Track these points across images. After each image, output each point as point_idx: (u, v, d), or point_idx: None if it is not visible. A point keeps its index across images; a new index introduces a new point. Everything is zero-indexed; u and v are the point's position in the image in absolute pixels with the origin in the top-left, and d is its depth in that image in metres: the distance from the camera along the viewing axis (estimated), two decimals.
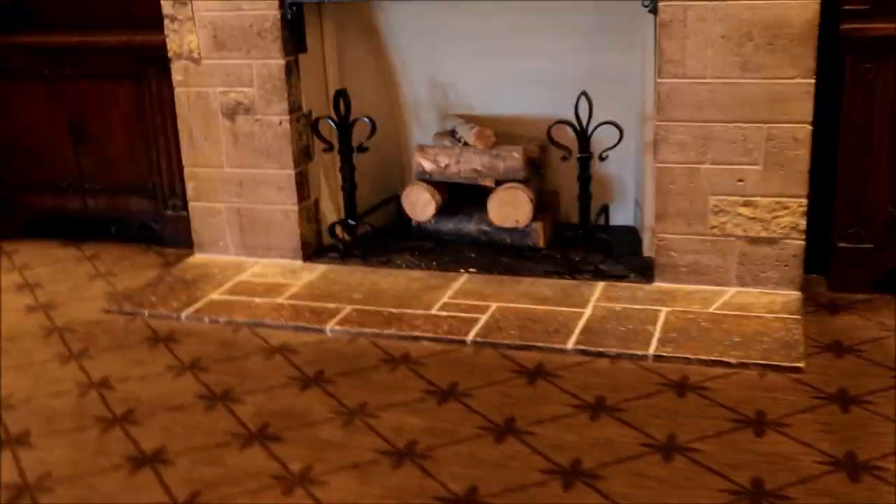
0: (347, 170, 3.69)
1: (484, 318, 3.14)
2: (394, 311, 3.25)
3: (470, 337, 3.02)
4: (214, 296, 3.48)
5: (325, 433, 2.54)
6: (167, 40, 3.68)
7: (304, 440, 2.52)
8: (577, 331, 3.01)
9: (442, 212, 3.81)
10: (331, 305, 3.32)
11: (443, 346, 3.01)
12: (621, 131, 3.27)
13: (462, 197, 3.86)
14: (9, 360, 3.11)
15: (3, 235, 4.33)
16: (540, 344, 2.95)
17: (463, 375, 2.82)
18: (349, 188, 3.71)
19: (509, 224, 3.65)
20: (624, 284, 3.34)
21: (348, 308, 3.29)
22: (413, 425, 2.55)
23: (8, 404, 2.80)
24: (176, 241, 4.04)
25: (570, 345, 2.93)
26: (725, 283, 3.24)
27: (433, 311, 3.22)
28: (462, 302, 3.28)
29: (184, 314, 3.35)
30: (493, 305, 3.23)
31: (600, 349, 2.89)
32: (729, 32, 3.03)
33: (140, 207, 4.13)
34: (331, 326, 3.17)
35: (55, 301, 3.60)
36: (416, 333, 3.08)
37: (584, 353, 2.90)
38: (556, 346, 2.93)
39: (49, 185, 4.22)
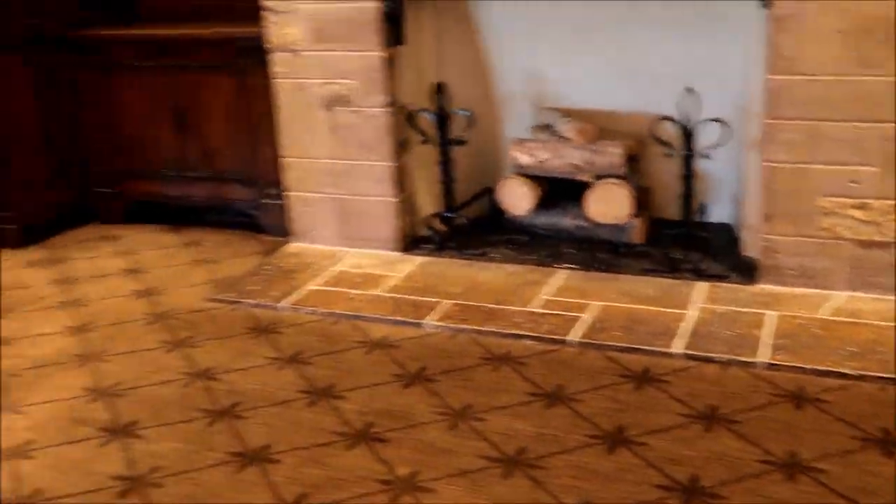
0: (445, 162, 3.68)
1: (586, 318, 3.09)
2: (493, 306, 3.23)
3: (573, 337, 2.98)
4: (313, 286, 3.50)
5: (430, 435, 2.52)
6: (267, 32, 3.69)
7: (410, 442, 2.49)
8: (682, 334, 2.95)
9: (536, 206, 3.77)
10: (429, 299, 3.31)
11: (544, 346, 2.97)
12: (729, 129, 3.19)
13: (557, 191, 3.82)
14: (117, 346, 3.16)
15: (109, 220, 4.44)
16: (646, 347, 2.89)
17: (568, 378, 2.77)
18: (447, 180, 3.70)
19: (608, 220, 3.60)
20: (726, 285, 3.27)
21: (447, 302, 3.28)
22: (520, 430, 2.51)
23: (116, 391, 2.85)
24: (274, 229, 4.08)
25: (677, 349, 2.87)
26: (833, 287, 3.15)
27: (533, 308, 3.19)
28: (562, 299, 3.24)
29: (284, 304, 3.37)
30: (594, 304, 3.19)
31: (708, 354, 2.82)
32: (847, 27, 2.91)
33: (240, 195, 4.18)
34: (430, 321, 3.16)
35: (160, 287, 3.66)
36: (518, 332, 3.04)
37: (691, 357, 2.83)
38: (662, 349, 2.87)
39: (153, 173, 4.31)
